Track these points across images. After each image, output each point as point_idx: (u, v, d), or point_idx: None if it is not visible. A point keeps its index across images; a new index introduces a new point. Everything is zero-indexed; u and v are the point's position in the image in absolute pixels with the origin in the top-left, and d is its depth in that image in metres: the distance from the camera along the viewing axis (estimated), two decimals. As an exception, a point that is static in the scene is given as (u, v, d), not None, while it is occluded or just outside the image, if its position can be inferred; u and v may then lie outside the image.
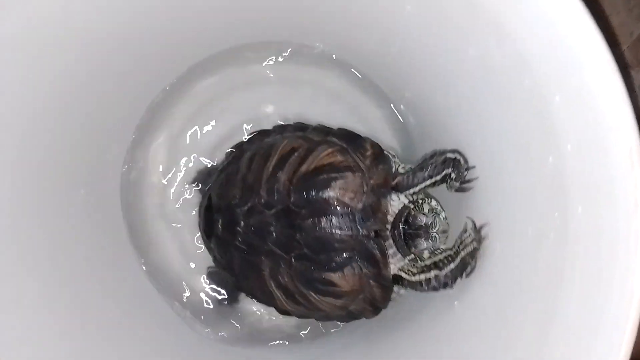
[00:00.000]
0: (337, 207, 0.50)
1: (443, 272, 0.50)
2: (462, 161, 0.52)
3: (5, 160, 0.45)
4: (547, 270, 0.41)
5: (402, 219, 0.51)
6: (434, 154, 0.53)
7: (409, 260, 0.52)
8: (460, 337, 0.50)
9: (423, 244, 0.50)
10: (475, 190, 0.51)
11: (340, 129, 0.56)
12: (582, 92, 0.36)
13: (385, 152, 0.53)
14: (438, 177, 0.52)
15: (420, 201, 0.52)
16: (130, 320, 0.56)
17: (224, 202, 0.58)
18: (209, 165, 0.66)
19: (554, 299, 0.40)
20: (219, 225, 0.58)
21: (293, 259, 0.52)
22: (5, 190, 0.46)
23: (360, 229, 0.50)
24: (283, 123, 0.62)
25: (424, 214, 0.51)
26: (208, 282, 0.65)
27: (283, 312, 0.58)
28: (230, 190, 0.58)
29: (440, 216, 0.51)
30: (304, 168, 0.52)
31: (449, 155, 0.52)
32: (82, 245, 0.54)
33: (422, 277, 0.51)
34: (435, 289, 0.51)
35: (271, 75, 0.67)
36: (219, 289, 0.65)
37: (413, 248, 0.51)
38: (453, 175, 0.51)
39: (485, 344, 0.46)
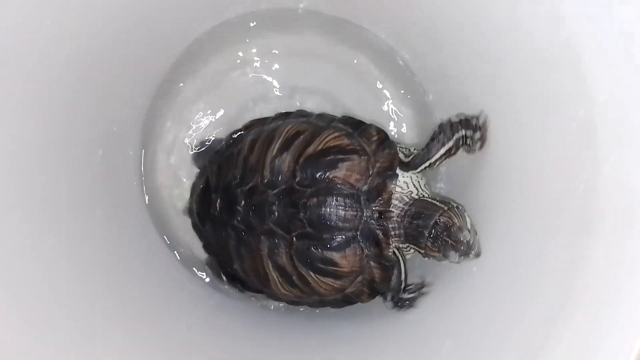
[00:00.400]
0: (343, 188, 0.51)
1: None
2: (469, 117, 0.52)
3: (30, 112, 0.45)
4: (574, 224, 0.41)
5: (432, 218, 0.49)
6: (440, 125, 0.53)
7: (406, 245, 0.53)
8: (477, 302, 0.50)
9: (455, 257, 0.49)
10: (497, 153, 0.51)
11: (344, 117, 0.56)
12: (618, 41, 0.37)
13: (390, 138, 0.54)
14: (451, 143, 0.52)
15: (459, 207, 0.51)
16: (141, 277, 0.56)
17: (222, 182, 0.58)
18: (207, 144, 0.65)
19: (580, 254, 0.40)
20: (217, 205, 0.58)
21: (294, 238, 0.52)
22: (30, 142, 0.45)
23: (364, 210, 0.51)
24: (284, 111, 0.62)
25: (468, 229, 0.49)
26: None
27: (275, 297, 0.58)
28: (230, 171, 0.57)
29: (477, 236, 0.50)
30: (310, 150, 0.53)
31: (454, 119, 0.52)
32: (99, 201, 0.54)
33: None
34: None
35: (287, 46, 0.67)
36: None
37: (438, 254, 0.50)
38: (468, 133, 0.52)
39: (506, 307, 0.47)
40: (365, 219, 0.51)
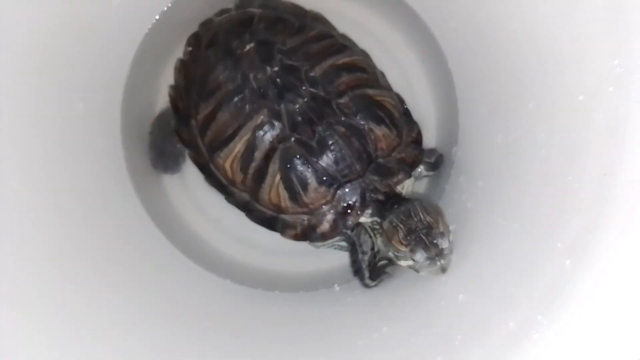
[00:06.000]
0: (368, 142, 0.51)
1: (366, 257, 0.54)
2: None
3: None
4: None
5: (419, 213, 0.49)
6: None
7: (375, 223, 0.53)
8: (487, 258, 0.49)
9: (421, 258, 0.47)
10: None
11: (398, 95, 0.57)
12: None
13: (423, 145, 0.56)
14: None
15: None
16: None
17: (264, 34, 0.54)
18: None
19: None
20: (247, 46, 0.53)
21: (293, 139, 0.51)
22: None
23: (366, 174, 0.51)
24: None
25: (448, 240, 0.48)
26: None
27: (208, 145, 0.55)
28: (278, 35, 0.54)
29: (451, 255, 0.49)
30: (369, 92, 0.53)
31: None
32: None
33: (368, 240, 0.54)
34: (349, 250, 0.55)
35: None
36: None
37: (405, 248, 0.49)
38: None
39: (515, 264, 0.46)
40: (360, 181, 0.51)
